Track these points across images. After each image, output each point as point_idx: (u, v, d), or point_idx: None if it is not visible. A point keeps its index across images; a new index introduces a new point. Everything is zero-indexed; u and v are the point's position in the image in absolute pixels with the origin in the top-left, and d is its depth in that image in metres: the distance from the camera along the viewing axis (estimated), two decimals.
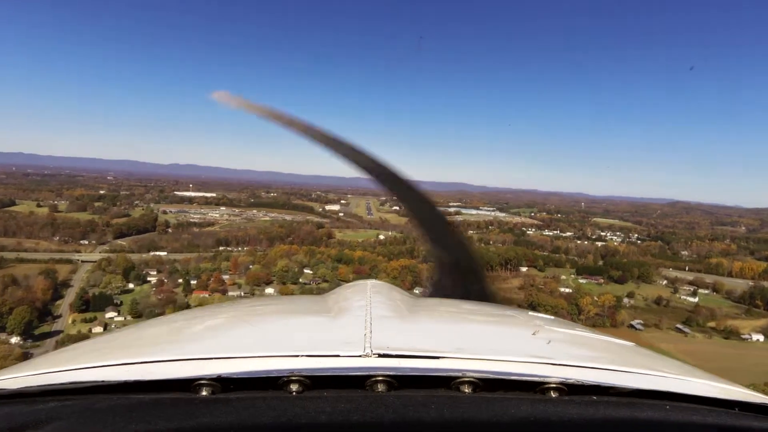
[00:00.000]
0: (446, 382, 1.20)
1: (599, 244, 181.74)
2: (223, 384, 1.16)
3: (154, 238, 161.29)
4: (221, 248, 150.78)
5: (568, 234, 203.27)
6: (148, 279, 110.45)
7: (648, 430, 1.09)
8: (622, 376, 1.33)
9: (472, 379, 1.19)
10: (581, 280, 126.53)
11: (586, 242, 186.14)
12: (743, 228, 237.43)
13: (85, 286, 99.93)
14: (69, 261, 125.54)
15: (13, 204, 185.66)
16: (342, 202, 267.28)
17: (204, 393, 1.14)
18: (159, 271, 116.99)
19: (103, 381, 1.19)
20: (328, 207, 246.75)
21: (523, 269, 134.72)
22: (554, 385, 1.20)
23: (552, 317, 2.37)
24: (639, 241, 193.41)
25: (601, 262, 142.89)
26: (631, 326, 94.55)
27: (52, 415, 1.02)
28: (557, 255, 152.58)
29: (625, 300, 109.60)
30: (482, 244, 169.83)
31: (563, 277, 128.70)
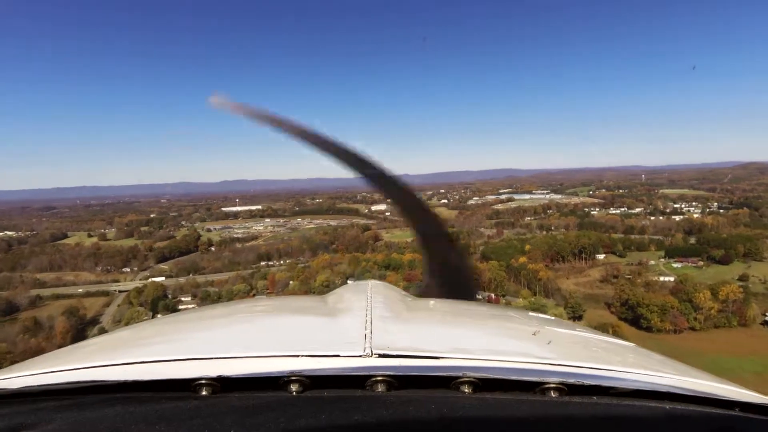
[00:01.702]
0: (446, 382, 1.18)
1: (677, 218, 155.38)
2: (224, 384, 1.14)
3: (196, 259, 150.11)
4: (262, 263, 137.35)
5: (638, 210, 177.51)
6: (179, 308, 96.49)
7: (648, 430, 1.07)
8: (622, 376, 1.30)
9: (471, 379, 1.17)
10: (675, 264, 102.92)
11: (661, 218, 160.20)
12: None
13: (110, 323, 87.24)
14: (105, 293, 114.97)
15: (65, 237, 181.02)
16: (388, 200, 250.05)
17: (204, 393, 1.12)
18: (194, 296, 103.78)
19: (103, 381, 1.18)
20: (374, 207, 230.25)
21: (600, 257, 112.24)
22: (554, 386, 1.18)
23: (552, 317, 2.33)
24: (721, 210, 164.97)
25: (692, 240, 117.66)
26: (767, 323, 70.80)
27: (52, 415, 1.01)
28: (636, 236, 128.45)
29: (738, 285, 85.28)
30: (545, 231, 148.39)
31: (652, 262, 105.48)
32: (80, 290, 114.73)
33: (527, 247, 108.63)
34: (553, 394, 1.17)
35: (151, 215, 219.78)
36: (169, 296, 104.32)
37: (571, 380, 1.20)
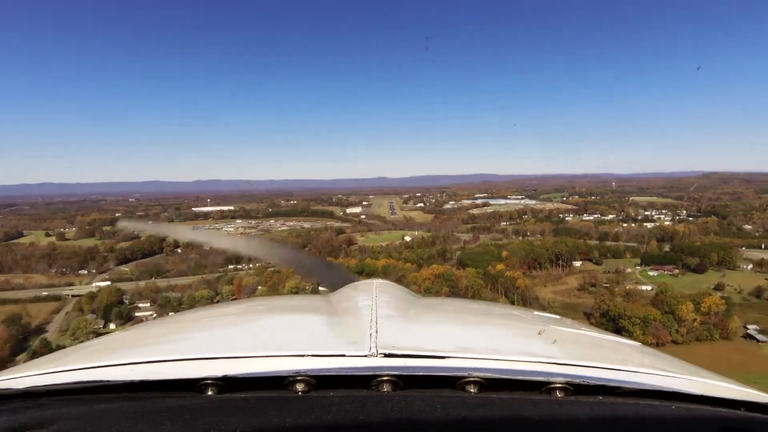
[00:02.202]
0: (452, 381, 1.17)
1: (649, 225, 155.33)
2: (229, 384, 1.14)
3: (160, 261, 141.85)
4: (230, 267, 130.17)
5: (611, 217, 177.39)
6: (135, 315, 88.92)
7: (654, 430, 1.06)
8: (628, 375, 1.29)
9: (477, 379, 1.16)
10: (651, 273, 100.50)
11: (633, 224, 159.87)
12: None
13: (56, 332, 79.43)
14: (57, 297, 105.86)
15: (20, 236, 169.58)
16: (364, 203, 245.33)
17: (209, 393, 1.12)
18: (153, 302, 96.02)
19: (108, 381, 1.17)
20: (349, 210, 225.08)
21: (577, 264, 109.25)
22: (560, 385, 1.17)
23: (557, 317, 2.33)
24: (690, 218, 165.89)
25: (666, 248, 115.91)
26: (749, 336, 67.88)
27: (57, 415, 1.00)
28: (611, 243, 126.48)
29: (720, 296, 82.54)
30: (521, 237, 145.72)
31: (628, 270, 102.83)
32: (29, 294, 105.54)
33: (504, 253, 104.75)
34: (558, 393, 1.16)
35: (117, 214, 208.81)
36: (126, 302, 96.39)
37: (577, 380, 1.20)
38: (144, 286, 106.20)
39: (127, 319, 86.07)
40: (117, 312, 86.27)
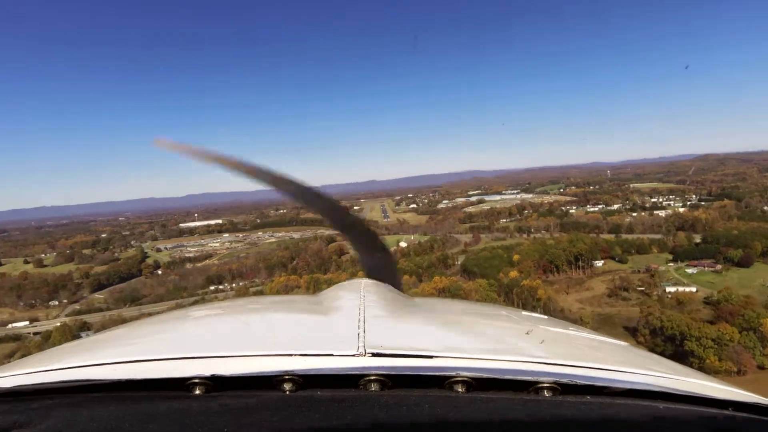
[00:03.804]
0: (440, 381, 1.15)
1: (661, 213, 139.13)
2: (217, 383, 1.11)
3: (138, 285, 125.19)
4: (212, 287, 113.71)
5: (616, 206, 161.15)
6: None
7: (641, 430, 1.04)
8: (616, 375, 1.27)
9: (465, 379, 1.14)
10: (689, 270, 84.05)
11: (644, 213, 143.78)
12: None
13: None
14: (16, 337, 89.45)
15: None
16: (355, 207, 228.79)
17: (197, 392, 1.10)
18: None
19: (96, 380, 1.14)
20: None
21: (599, 263, 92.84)
22: (548, 385, 1.15)
23: (545, 317, 2.30)
24: (703, 203, 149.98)
25: (697, 239, 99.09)
26: None
27: (44, 413, 0.99)
28: (630, 236, 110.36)
29: None
30: (526, 234, 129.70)
31: (661, 268, 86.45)
32: None
33: (516, 257, 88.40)
34: (546, 393, 1.15)
35: (102, 235, 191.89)
36: None
37: (565, 380, 1.18)
38: (108, 319, 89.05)
39: None
40: None
